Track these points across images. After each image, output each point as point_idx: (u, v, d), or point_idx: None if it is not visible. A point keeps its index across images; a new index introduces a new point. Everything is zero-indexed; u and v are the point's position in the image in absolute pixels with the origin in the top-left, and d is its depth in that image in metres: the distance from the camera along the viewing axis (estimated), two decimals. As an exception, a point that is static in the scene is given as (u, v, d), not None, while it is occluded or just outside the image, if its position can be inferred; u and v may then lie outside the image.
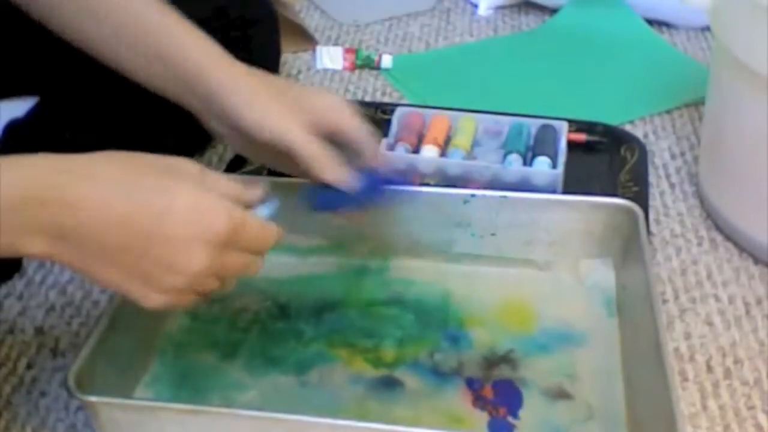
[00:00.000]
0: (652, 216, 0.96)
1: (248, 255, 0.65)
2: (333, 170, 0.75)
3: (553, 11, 1.40)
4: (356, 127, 0.77)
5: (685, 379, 0.79)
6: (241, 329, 0.81)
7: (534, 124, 1.00)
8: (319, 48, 1.27)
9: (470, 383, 0.75)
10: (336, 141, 0.77)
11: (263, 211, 0.69)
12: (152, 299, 0.62)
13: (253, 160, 0.92)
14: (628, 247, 0.83)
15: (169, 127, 0.98)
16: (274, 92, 0.75)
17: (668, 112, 1.16)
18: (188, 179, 0.62)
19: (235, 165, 1.01)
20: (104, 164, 0.61)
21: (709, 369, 0.80)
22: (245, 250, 0.65)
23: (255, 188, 0.69)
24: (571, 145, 0.99)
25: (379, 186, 0.79)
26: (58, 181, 0.58)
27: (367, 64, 1.25)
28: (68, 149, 0.91)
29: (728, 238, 0.95)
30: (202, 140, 1.08)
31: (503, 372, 0.76)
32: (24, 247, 0.58)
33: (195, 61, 0.75)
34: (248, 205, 0.67)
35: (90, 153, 0.61)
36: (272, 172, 0.98)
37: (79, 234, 0.58)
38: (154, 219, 0.59)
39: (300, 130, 0.74)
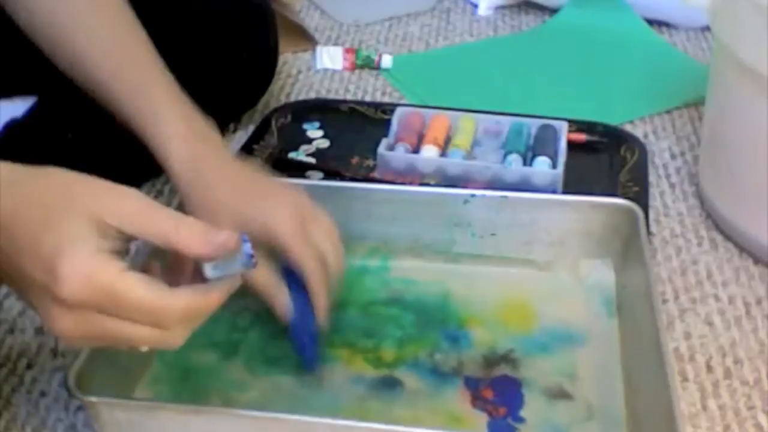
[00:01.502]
0: (652, 216, 0.97)
1: (136, 325, 0.55)
2: (282, 305, 0.73)
3: (553, 11, 1.40)
4: (307, 271, 0.72)
5: (685, 379, 0.79)
6: (241, 329, 0.81)
7: (534, 124, 1.01)
8: (319, 48, 1.27)
9: (470, 383, 0.75)
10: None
11: (214, 271, 0.58)
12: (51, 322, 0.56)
13: None
14: (628, 247, 0.83)
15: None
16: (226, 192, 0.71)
17: (668, 112, 1.16)
18: (84, 221, 0.54)
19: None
20: (31, 182, 0.57)
21: (709, 369, 0.80)
22: (129, 320, 0.55)
23: (215, 237, 0.56)
24: (571, 145, 0.99)
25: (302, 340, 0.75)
26: None
27: (367, 64, 1.25)
28: (67, 149, 0.92)
29: (728, 238, 0.95)
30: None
31: (503, 372, 0.76)
32: None
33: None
34: (202, 256, 0.57)
35: (36, 167, 0.57)
36: (272, 172, 0.99)
37: None
38: (23, 254, 0.54)
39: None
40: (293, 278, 0.74)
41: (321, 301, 0.73)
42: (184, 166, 0.73)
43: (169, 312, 0.55)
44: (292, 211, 0.73)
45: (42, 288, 0.54)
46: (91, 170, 0.98)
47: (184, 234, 0.56)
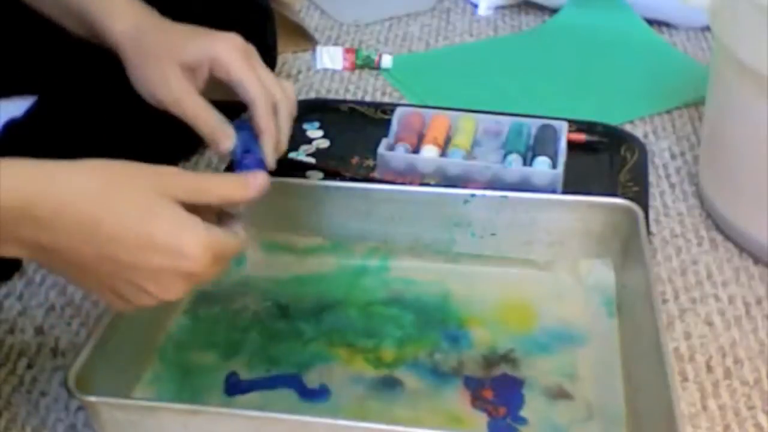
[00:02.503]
0: (652, 216, 0.96)
1: (222, 267, 0.63)
2: (225, 140, 0.73)
3: (553, 11, 1.40)
4: (251, 90, 0.73)
5: (685, 379, 0.79)
6: (241, 329, 0.81)
7: (534, 124, 1.00)
8: (319, 48, 1.27)
9: (470, 383, 0.75)
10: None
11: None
12: (121, 306, 0.63)
13: None
14: (628, 247, 0.83)
15: (168, 126, 0.98)
16: (159, 44, 0.73)
17: (668, 112, 1.16)
18: (170, 202, 0.60)
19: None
20: (85, 178, 0.59)
21: (709, 369, 0.80)
22: (221, 266, 0.63)
23: (256, 180, 0.66)
24: (571, 145, 0.99)
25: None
26: (34, 197, 0.57)
27: (367, 64, 1.25)
28: (67, 148, 0.91)
29: (728, 238, 0.95)
30: (201, 140, 1.08)
31: (503, 372, 0.76)
32: (4, 251, 0.58)
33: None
34: (234, 205, 0.66)
35: (73, 161, 0.59)
36: (272, 172, 0.99)
37: (55, 248, 0.58)
38: (131, 249, 0.58)
39: (189, 98, 0.73)
40: (243, 126, 0.74)
41: (269, 135, 0.73)
42: (127, 31, 0.75)
43: (236, 250, 0.64)
44: (237, 44, 0.74)
45: (158, 270, 0.59)
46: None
47: (239, 191, 0.65)
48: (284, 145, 0.75)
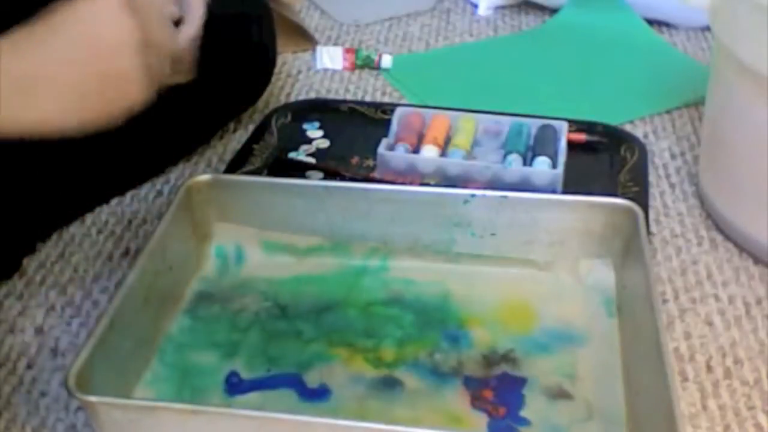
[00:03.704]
0: (652, 216, 0.97)
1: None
2: None
3: (553, 11, 1.40)
4: None
5: (685, 379, 0.79)
6: (241, 329, 0.81)
7: (534, 124, 1.01)
8: (319, 48, 1.27)
9: (470, 383, 0.75)
10: None
11: None
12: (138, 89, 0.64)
13: None
14: (628, 247, 0.83)
15: (168, 126, 0.98)
16: None
17: (668, 112, 1.16)
18: None
19: (235, 165, 1.01)
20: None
21: (709, 369, 0.80)
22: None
23: None
24: (571, 145, 0.99)
25: None
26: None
27: (367, 64, 1.25)
28: (63, 151, 0.91)
29: (728, 238, 0.95)
30: (201, 140, 1.08)
31: (503, 372, 0.76)
32: None
33: None
34: None
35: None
36: (272, 172, 0.99)
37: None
38: (68, 25, 0.61)
39: None
40: None
41: None
42: None
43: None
44: None
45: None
46: (90, 171, 0.99)
47: None
48: None
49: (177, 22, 0.70)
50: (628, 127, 1.11)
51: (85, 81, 0.61)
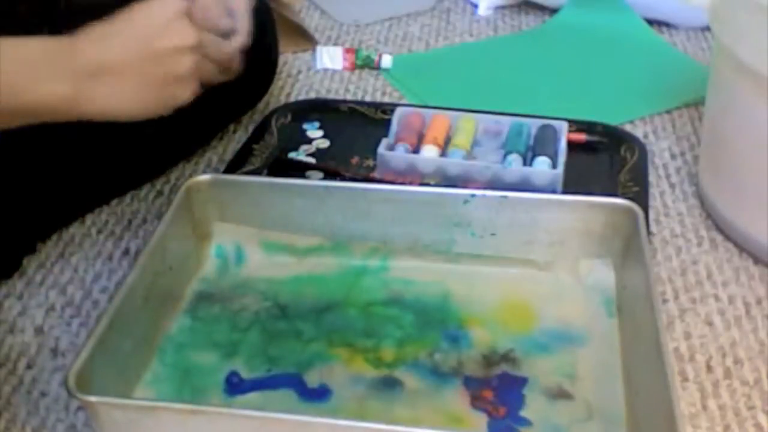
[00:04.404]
0: (652, 216, 0.97)
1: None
2: None
3: (553, 11, 1.40)
4: None
5: (685, 379, 0.79)
6: (241, 329, 0.81)
7: (534, 124, 1.01)
8: (319, 48, 1.27)
9: (470, 383, 0.75)
10: None
11: None
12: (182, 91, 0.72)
13: None
14: (628, 247, 0.83)
15: (170, 128, 0.98)
16: None
17: (668, 112, 1.16)
18: None
19: (235, 165, 1.01)
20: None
21: (709, 369, 0.80)
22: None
23: None
24: (571, 145, 0.99)
25: None
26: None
27: (367, 64, 1.25)
28: (66, 148, 0.92)
29: (728, 238, 0.95)
30: (202, 141, 1.08)
31: (503, 372, 0.76)
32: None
33: None
34: None
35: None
36: (272, 172, 0.99)
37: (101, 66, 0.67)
38: (138, 28, 0.69)
39: None
40: None
41: None
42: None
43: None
44: None
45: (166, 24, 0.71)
46: (90, 172, 0.99)
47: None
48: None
49: (229, 33, 0.80)
50: (628, 127, 1.11)
51: (148, 75, 0.70)
